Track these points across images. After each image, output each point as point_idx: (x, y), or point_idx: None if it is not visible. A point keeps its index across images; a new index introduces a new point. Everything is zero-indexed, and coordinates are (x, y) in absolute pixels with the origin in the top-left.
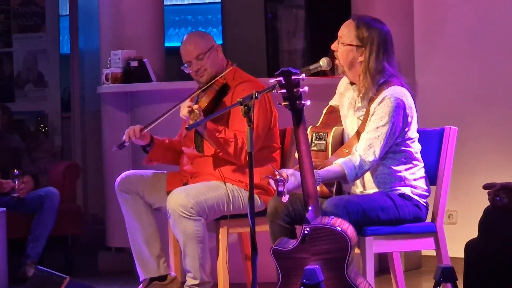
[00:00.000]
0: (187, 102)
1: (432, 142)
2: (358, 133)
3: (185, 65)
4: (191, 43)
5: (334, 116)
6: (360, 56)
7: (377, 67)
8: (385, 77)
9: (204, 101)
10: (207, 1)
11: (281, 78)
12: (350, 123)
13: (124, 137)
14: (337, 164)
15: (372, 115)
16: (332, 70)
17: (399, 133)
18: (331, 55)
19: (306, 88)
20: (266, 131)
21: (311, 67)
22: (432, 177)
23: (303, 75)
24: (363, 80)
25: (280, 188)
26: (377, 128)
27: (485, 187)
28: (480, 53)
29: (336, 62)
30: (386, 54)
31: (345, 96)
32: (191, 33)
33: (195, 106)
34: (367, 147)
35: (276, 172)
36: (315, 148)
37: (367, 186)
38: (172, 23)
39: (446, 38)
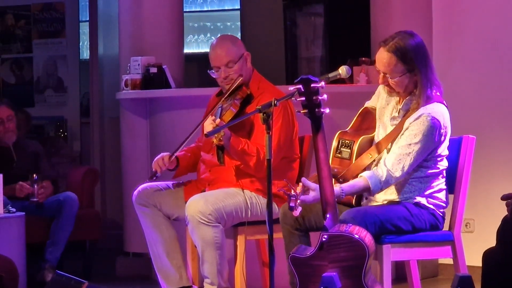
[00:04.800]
0: (210, 120)
1: (451, 150)
2: (383, 141)
3: (212, 69)
4: (222, 49)
5: (367, 121)
6: (415, 76)
7: (430, 78)
8: (433, 89)
9: (229, 115)
10: (226, 8)
11: (300, 86)
12: (383, 128)
13: (153, 168)
14: (363, 178)
15: (406, 129)
16: (351, 78)
17: (431, 151)
18: (350, 63)
19: (325, 96)
20: (289, 142)
21: (330, 75)
22: (450, 185)
23: (322, 83)
24: (419, 94)
25: (291, 204)
26: (410, 145)
27: (503, 198)
28: (499, 62)
29: (388, 90)
30: (430, 63)
31: (385, 101)
32: (222, 38)
33: (218, 121)
34: (396, 162)
35: (290, 187)
36: (339, 156)
37: (386, 192)
38: (191, 30)
39: (465, 47)
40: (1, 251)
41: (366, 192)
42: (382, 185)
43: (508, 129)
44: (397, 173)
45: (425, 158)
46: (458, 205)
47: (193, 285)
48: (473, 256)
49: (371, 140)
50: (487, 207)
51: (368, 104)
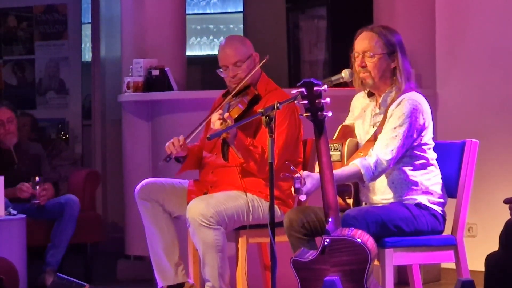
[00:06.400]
0: (217, 115)
1: (453, 155)
2: (373, 138)
3: (221, 68)
4: (231, 49)
5: (348, 135)
6: (392, 62)
7: (408, 68)
8: (408, 82)
9: (236, 112)
10: (229, 11)
11: (303, 89)
12: (368, 132)
13: (168, 151)
14: (353, 164)
15: (390, 116)
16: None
17: (417, 136)
18: (353, 67)
19: (328, 100)
20: (294, 142)
21: (333, 78)
22: (452, 189)
23: (325, 86)
24: (398, 83)
25: (297, 185)
26: (395, 128)
27: (506, 201)
28: (502, 65)
29: (364, 76)
30: (409, 61)
31: (366, 112)
32: (231, 37)
33: (226, 115)
34: (384, 146)
35: (293, 170)
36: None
37: (384, 191)
38: (194, 32)
39: (468, 50)
40: (1, 253)
41: (358, 179)
42: (374, 170)
43: (511, 132)
44: (387, 157)
45: (412, 146)
46: (461, 209)
47: (189, 280)
48: (475, 261)
49: (357, 143)
50: (490, 212)
51: (345, 122)
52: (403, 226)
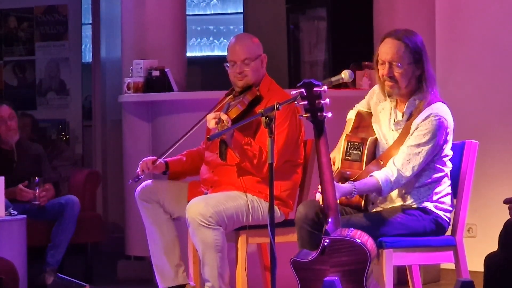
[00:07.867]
0: (213, 114)
1: (453, 155)
2: (393, 147)
3: (227, 63)
4: (241, 45)
5: (363, 121)
6: (417, 70)
7: (432, 72)
8: (432, 88)
9: (234, 112)
10: (229, 11)
11: (303, 90)
12: (388, 134)
13: (138, 170)
14: (374, 178)
15: (415, 129)
16: (354, 83)
17: (438, 151)
18: (352, 67)
19: (327, 100)
20: (294, 142)
21: (333, 79)
22: (453, 190)
23: (325, 87)
24: (423, 91)
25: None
26: (419, 144)
27: (506, 202)
28: (502, 67)
29: (390, 85)
30: (430, 63)
31: (379, 106)
32: (243, 35)
33: (225, 117)
34: (406, 162)
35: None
36: (349, 158)
37: (394, 200)
38: (194, 33)
39: (468, 51)
40: (2, 253)
41: (376, 192)
42: (393, 185)
43: (511, 133)
44: (407, 173)
45: (432, 159)
46: (460, 210)
47: (190, 282)
48: (475, 261)
49: (376, 140)
50: (489, 212)
51: (359, 107)
52: (388, 231)
